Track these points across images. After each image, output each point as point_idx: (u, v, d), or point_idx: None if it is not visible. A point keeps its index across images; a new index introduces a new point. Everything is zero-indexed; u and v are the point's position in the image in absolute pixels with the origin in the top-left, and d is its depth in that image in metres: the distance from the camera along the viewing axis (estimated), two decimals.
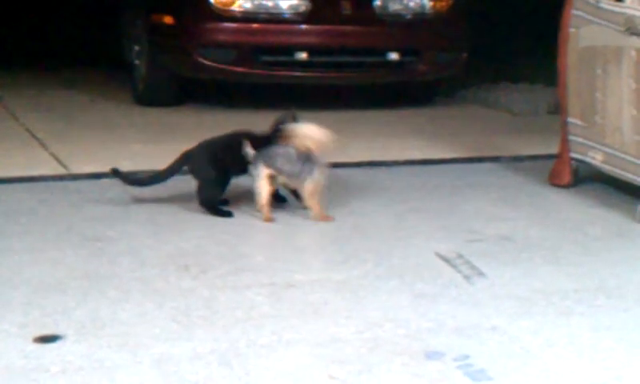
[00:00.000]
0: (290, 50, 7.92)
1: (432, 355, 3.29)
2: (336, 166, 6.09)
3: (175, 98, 8.20)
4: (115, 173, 5.11)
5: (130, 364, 3.18)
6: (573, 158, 5.65)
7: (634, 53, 5.12)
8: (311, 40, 8.03)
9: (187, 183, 5.42)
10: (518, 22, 10.04)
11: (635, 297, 3.92)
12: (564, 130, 5.71)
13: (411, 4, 8.21)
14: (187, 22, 7.90)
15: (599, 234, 4.79)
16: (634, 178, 5.19)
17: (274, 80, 8.10)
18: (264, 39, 7.89)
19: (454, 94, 9.02)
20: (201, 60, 7.80)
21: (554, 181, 5.74)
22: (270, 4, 7.85)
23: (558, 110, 6.29)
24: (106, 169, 5.72)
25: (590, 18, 5.41)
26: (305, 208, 4.90)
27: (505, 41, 9.71)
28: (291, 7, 7.88)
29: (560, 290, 3.96)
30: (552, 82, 6.67)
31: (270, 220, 4.84)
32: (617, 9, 5.25)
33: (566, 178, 5.69)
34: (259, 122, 7.10)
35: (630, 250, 4.59)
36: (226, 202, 5.07)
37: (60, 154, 6.14)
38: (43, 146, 6.43)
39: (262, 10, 7.84)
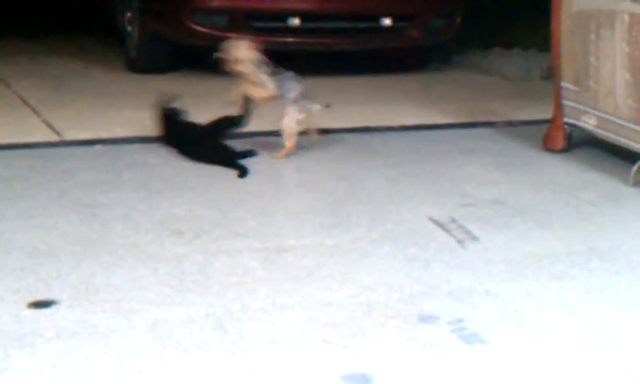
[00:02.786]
0: (283, 15, 7.90)
1: (426, 319, 3.30)
2: (330, 131, 6.11)
3: (167, 65, 8.17)
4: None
5: (125, 329, 3.18)
6: (566, 123, 5.66)
7: (626, 17, 5.11)
8: (304, 6, 7.99)
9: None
10: None
11: (628, 260, 3.94)
12: (557, 94, 5.71)
13: None
14: None
15: (592, 198, 4.80)
16: (627, 142, 5.19)
17: (266, 46, 8.05)
18: (256, 5, 7.86)
19: (448, 59, 9.01)
20: (193, 26, 7.77)
21: (547, 146, 5.74)
22: None
23: (551, 75, 6.29)
24: (99, 135, 5.75)
25: None
26: None
27: (498, 6, 9.68)
28: None
29: (553, 254, 3.97)
30: (545, 47, 6.67)
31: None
32: None
33: (560, 142, 5.69)
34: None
35: (622, 214, 4.60)
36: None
37: (52, 120, 6.13)
38: (36, 112, 6.41)
39: None
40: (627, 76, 5.14)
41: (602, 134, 5.39)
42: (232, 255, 3.87)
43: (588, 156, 5.58)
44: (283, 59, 8.19)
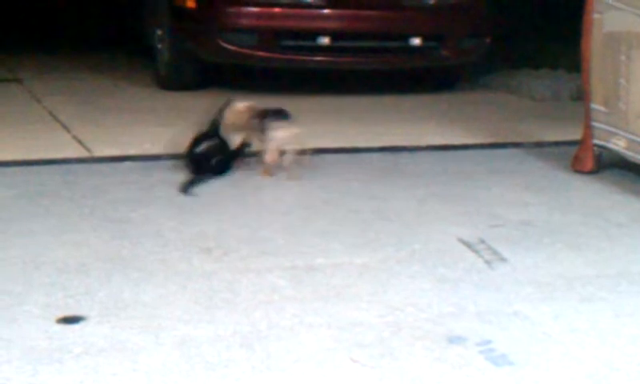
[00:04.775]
0: (312, 34, 7.92)
1: (454, 340, 3.29)
2: (357, 150, 6.12)
3: (197, 82, 8.22)
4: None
5: (152, 346, 3.19)
6: (596, 144, 5.63)
7: None
8: (333, 25, 8.03)
9: None
10: (540, 7, 10.00)
11: None
12: (587, 116, 5.69)
13: None
14: (209, 6, 7.90)
15: (621, 220, 4.77)
16: None
17: (295, 65, 8.10)
18: (286, 24, 7.90)
19: (477, 79, 9.00)
20: (223, 44, 7.81)
21: (576, 167, 5.72)
22: None
23: (580, 96, 6.27)
24: (129, 152, 5.78)
25: (613, 3, 5.38)
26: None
27: (527, 26, 9.68)
28: None
29: (582, 276, 3.95)
30: (574, 67, 6.66)
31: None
32: None
33: (589, 164, 5.67)
34: (280, 106, 7.10)
35: None
36: None
37: (83, 136, 6.17)
38: (66, 128, 6.46)
39: None
40: None
41: (632, 156, 5.37)
42: (260, 273, 3.87)
43: (617, 178, 5.55)
44: (312, 77, 8.24)
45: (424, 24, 8.19)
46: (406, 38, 8.13)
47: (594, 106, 5.61)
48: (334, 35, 7.96)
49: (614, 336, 3.37)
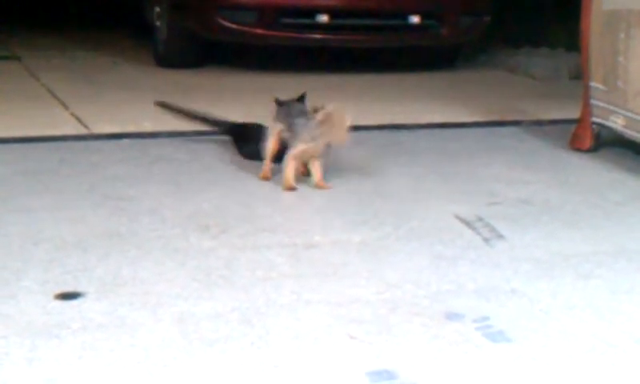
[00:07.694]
0: (312, 12, 7.91)
1: (451, 316, 3.30)
2: (357, 128, 6.10)
3: (196, 60, 8.21)
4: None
5: (151, 322, 3.19)
6: (594, 123, 5.63)
7: None
8: (332, 2, 8.02)
9: (208, 143, 5.46)
10: None
11: None
12: (586, 94, 5.69)
13: None
14: None
15: (619, 198, 4.78)
16: None
17: (294, 42, 8.09)
18: (285, 1, 7.88)
19: (476, 58, 8.99)
20: (221, 22, 7.80)
21: (574, 145, 5.72)
22: None
23: (579, 74, 6.27)
24: (127, 129, 5.78)
25: None
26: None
27: (526, 5, 9.66)
28: None
29: (579, 253, 3.96)
30: (573, 46, 6.65)
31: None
32: None
33: (587, 142, 5.67)
34: (279, 84, 7.12)
35: None
36: None
37: (81, 114, 6.16)
38: (64, 105, 6.45)
39: None
40: None
41: (630, 134, 5.37)
42: (258, 250, 3.88)
43: (616, 156, 5.56)
44: (311, 56, 8.22)
45: (423, 2, 8.18)
46: (404, 15, 8.11)
47: (592, 84, 5.61)
48: (333, 13, 7.95)
49: (611, 313, 3.38)
